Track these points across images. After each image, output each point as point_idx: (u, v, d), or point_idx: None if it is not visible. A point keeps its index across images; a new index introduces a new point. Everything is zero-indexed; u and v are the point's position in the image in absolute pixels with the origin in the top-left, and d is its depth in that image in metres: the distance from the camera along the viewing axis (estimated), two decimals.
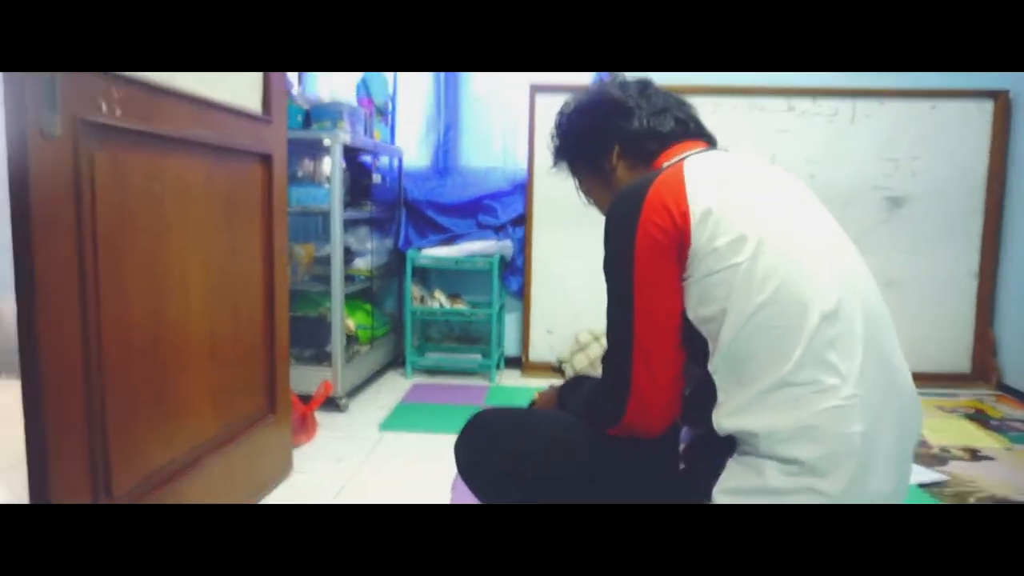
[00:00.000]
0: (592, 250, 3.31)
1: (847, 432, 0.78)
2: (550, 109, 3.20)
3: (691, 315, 0.86)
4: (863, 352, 0.81)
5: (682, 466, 0.90)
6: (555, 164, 1.19)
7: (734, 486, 0.81)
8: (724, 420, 0.82)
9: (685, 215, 0.85)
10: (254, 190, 1.80)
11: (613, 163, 1.07)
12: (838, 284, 0.83)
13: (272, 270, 1.89)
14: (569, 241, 3.28)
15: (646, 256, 0.86)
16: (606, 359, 0.92)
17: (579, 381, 1.13)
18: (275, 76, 1.85)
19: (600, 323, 3.26)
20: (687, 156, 0.97)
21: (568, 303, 3.33)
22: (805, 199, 0.94)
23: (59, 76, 1.09)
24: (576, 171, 1.17)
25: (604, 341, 3.21)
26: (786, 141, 3.16)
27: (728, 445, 0.83)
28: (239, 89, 1.71)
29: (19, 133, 1.06)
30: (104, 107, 1.21)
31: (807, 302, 0.80)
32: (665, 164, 0.97)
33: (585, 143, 1.11)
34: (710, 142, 1.07)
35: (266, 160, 1.83)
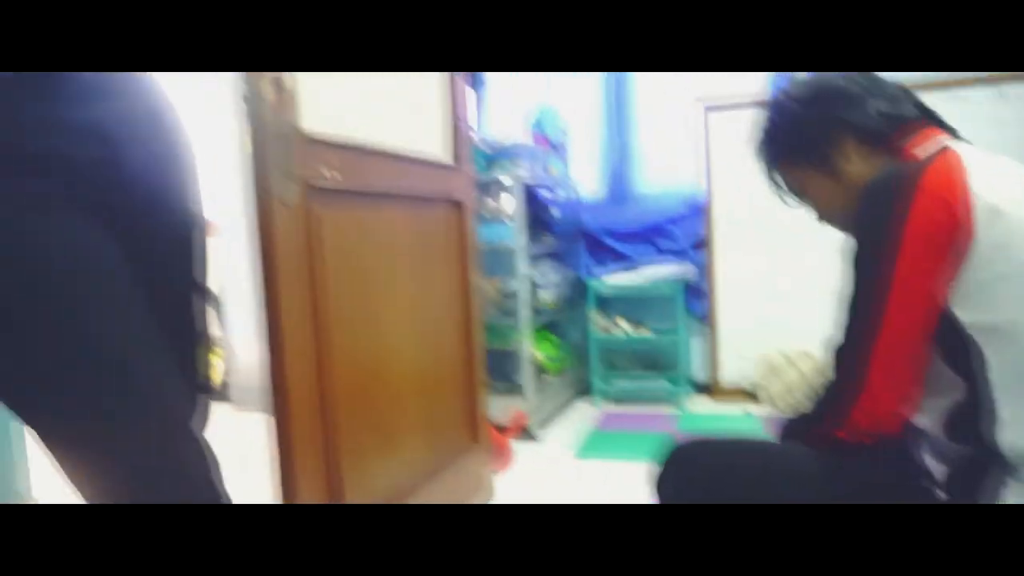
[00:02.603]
0: (780, 268, 3.14)
1: None
2: (723, 127, 3.15)
3: (964, 319, 0.79)
4: None
5: (943, 496, 0.83)
6: (764, 159, 1.10)
7: None
8: (1018, 440, 0.76)
9: (968, 209, 0.78)
10: (448, 234, 1.94)
11: (846, 153, 0.98)
12: None
13: (468, 307, 2.01)
14: (754, 261, 3.17)
15: (915, 250, 0.80)
16: (840, 353, 0.87)
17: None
18: (462, 127, 1.99)
19: (793, 344, 3.10)
20: (949, 145, 0.88)
21: (756, 325, 3.20)
22: None
23: (293, 147, 1.25)
24: (793, 167, 1.07)
25: (801, 365, 3.03)
26: (1001, 134, 2.84)
27: (999, 468, 0.77)
28: (432, 142, 1.86)
29: (263, 203, 1.23)
30: (327, 173, 1.37)
31: None
32: (919, 152, 0.89)
33: (810, 134, 1.01)
34: (952, 132, 0.97)
35: (457, 206, 1.97)
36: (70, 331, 0.75)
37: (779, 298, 3.14)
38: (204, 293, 0.99)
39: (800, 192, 1.08)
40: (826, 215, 1.05)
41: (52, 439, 0.77)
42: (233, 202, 2.65)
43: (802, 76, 1.06)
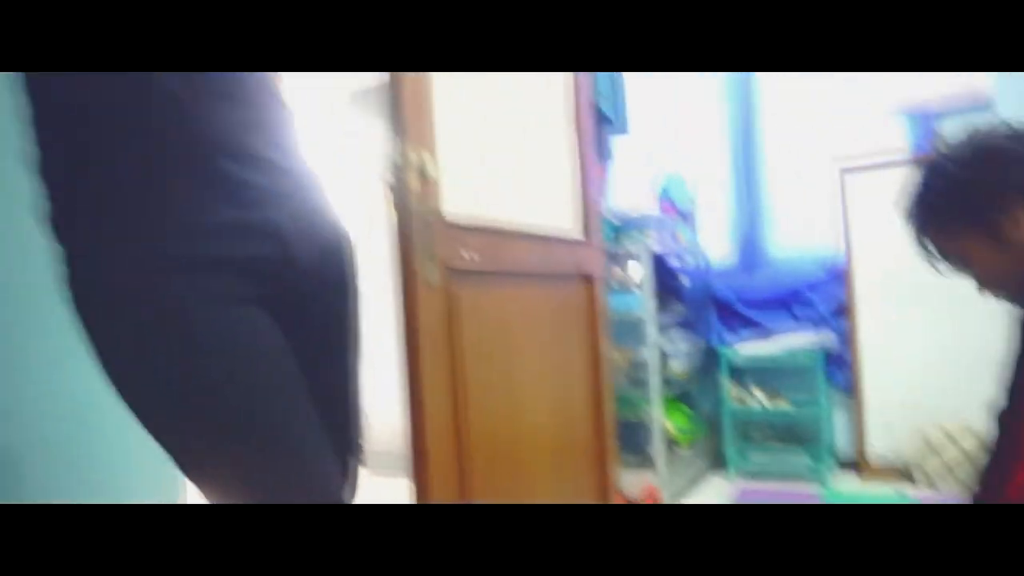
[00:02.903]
0: (930, 336, 2.91)
1: None
2: (859, 190, 3.02)
3: None
4: None
5: None
6: (916, 224, 1.05)
7: None
8: None
9: None
10: (580, 307, 1.97)
11: (1016, 219, 0.94)
12: None
13: (599, 379, 2.02)
14: (901, 328, 2.98)
15: None
16: (1000, 421, 0.83)
17: None
18: (592, 201, 2.04)
19: (949, 418, 2.85)
20: None
21: (906, 397, 2.98)
22: None
23: (435, 232, 1.34)
24: (951, 233, 1.02)
25: (963, 442, 2.78)
26: None
27: None
28: (562, 217, 1.92)
29: (408, 284, 1.32)
30: (465, 255, 1.45)
31: None
32: None
33: (975, 198, 0.97)
34: None
35: (588, 280, 2.01)
36: (239, 409, 0.85)
37: (930, 368, 2.93)
38: (359, 371, 1.08)
39: (958, 259, 1.02)
40: (988, 283, 1.00)
41: (215, 497, 0.86)
42: (374, 279, 2.83)
43: (958, 135, 1.02)
